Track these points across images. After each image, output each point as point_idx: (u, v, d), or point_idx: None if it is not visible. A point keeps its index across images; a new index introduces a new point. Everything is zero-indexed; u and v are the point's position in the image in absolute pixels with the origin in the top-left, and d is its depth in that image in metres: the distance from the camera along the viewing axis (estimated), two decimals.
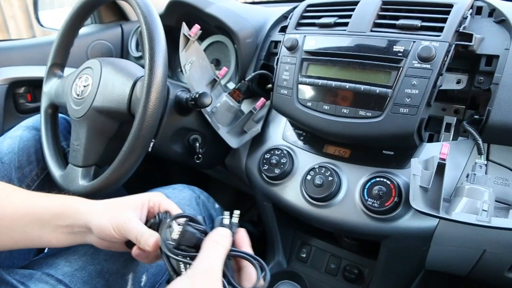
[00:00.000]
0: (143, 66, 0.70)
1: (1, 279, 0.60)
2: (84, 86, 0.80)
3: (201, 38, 1.10)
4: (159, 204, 0.61)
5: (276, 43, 0.95)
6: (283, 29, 0.91)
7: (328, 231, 0.85)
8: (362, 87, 0.70)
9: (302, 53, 0.78)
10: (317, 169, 0.77)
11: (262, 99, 0.88)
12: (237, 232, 0.56)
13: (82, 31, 1.07)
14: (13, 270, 0.63)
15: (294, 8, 0.88)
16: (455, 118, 0.73)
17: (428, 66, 0.65)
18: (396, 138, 0.68)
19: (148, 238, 0.54)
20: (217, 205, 0.90)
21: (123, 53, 1.36)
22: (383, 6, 0.74)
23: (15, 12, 3.12)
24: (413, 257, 0.77)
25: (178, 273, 0.52)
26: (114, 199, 0.61)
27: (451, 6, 0.68)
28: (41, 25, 1.39)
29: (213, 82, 0.89)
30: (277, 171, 0.82)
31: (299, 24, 0.83)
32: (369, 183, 0.71)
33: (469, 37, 0.66)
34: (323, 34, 0.77)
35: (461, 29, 0.66)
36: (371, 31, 0.72)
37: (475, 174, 0.62)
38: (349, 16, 0.75)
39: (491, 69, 0.67)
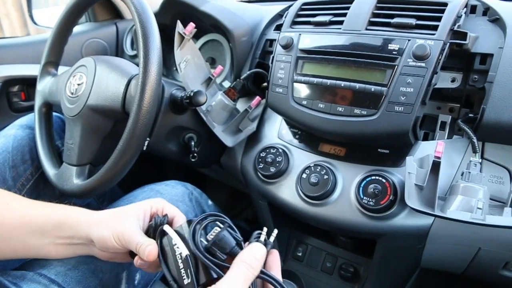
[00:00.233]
0: (137, 65, 0.70)
1: None
2: (78, 85, 0.79)
3: (196, 37, 1.10)
4: (162, 209, 0.60)
5: (272, 41, 0.94)
6: (278, 28, 0.91)
7: (324, 229, 0.85)
8: (357, 85, 0.70)
9: (297, 51, 0.78)
10: (312, 168, 0.77)
11: (258, 98, 0.88)
12: (270, 253, 0.52)
13: (77, 29, 1.07)
14: (5, 272, 0.63)
15: (289, 6, 0.88)
16: (450, 116, 0.73)
17: (423, 64, 0.65)
18: (391, 136, 0.68)
19: (146, 248, 0.53)
20: (210, 202, 0.90)
21: (118, 52, 1.36)
22: (378, 5, 0.74)
23: (9, 10, 3.10)
24: (409, 255, 0.78)
25: (177, 282, 0.50)
26: (115, 209, 0.60)
27: (445, 4, 0.68)
28: (35, 23, 1.38)
29: (208, 81, 0.89)
30: (272, 169, 0.82)
31: (294, 23, 0.83)
32: (365, 181, 0.71)
33: (463, 35, 0.66)
34: (318, 32, 0.77)
35: (455, 28, 0.66)
36: (366, 29, 0.72)
37: (469, 172, 0.62)
38: (344, 15, 0.75)
39: (485, 67, 0.67)
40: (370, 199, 0.70)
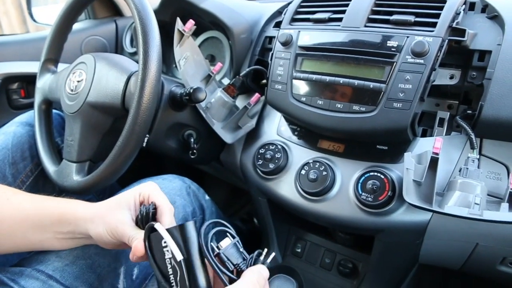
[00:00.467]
0: (137, 62, 0.70)
1: None
2: (78, 81, 0.79)
3: (195, 34, 1.10)
4: (148, 196, 0.59)
5: (271, 38, 0.95)
6: (278, 25, 0.91)
7: (322, 225, 0.86)
8: (356, 82, 0.70)
9: (297, 48, 0.78)
10: (311, 164, 0.78)
11: (257, 95, 0.88)
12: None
13: (76, 26, 1.07)
14: (4, 268, 0.63)
15: (289, 3, 0.88)
16: (448, 113, 0.73)
17: (422, 61, 0.65)
18: (389, 132, 0.69)
19: (135, 243, 0.53)
20: (207, 197, 0.90)
21: (118, 49, 1.36)
22: (377, 2, 0.74)
23: (8, 8, 3.09)
24: (407, 251, 0.78)
25: (167, 279, 0.49)
26: (109, 200, 0.60)
27: (444, 1, 0.68)
28: (35, 20, 1.38)
29: (208, 78, 0.89)
30: (271, 166, 0.83)
31: (293, 20, 0.83)
32: (363, 177, 0.72)
33: (462, 32, 0.67)
34: (317, 29, 0.78)
35: (454, 25, 0.66)
36: (365, 26, 0.72)
37: (467, 168, 0.63)
38: (343, 12, 0.76)
39: (483, 64, 0.67)
40: (369, 195, 0.70)
